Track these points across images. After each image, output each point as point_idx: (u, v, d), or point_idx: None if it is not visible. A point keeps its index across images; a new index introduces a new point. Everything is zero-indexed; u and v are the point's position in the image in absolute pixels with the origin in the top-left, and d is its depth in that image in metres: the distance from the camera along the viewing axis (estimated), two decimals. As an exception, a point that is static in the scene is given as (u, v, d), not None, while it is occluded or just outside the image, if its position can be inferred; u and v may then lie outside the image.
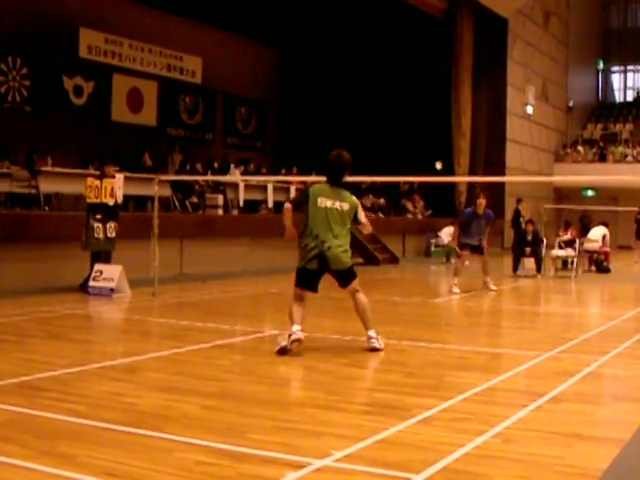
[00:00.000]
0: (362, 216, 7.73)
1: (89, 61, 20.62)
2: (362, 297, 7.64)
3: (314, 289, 7.54)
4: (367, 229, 7.86)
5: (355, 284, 7.62)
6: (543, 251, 17.84)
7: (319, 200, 7.47)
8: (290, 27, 25.25)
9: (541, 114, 33.07)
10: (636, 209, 24.91)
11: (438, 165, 26.65)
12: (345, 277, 7.57)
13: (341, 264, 7.47)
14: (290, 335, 7.23)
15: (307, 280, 7.48)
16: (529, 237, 17.84)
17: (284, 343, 7.23)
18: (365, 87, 26.66)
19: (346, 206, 7.55)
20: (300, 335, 7.21)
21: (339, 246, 7.43)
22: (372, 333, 7.52)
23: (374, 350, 7.42)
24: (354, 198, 7.75)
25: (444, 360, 7.35)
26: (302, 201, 7.63)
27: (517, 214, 21.08)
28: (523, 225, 19.49)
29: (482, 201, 14.30)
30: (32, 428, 4.68)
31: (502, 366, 7.15)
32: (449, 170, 26.03)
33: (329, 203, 7.48)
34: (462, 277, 13.85)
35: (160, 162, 20.06)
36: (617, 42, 40.98)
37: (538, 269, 17.54)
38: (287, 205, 7.75)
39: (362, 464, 4.15)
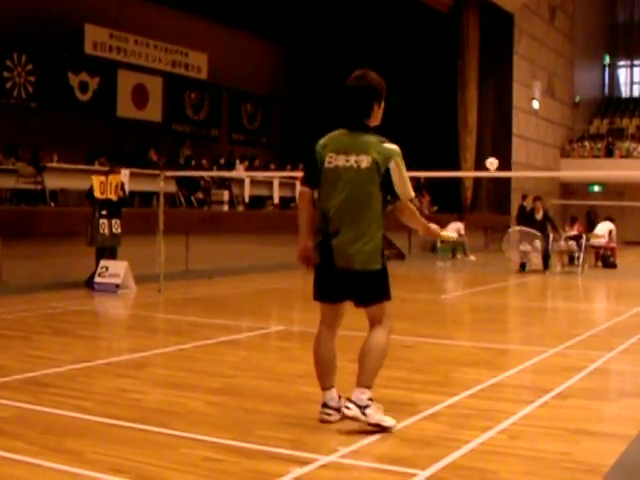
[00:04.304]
0: (401, 184, 4.56)
1: (94, 57, 20.61)
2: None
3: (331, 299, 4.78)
4: (413, 219, 4.77)
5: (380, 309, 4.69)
6: (550, 246, 17.71)
7: (328, 158, 4.66)
8: (296, 23, 25.21)
9: (547, 109, 32.99)
10: None
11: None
12: (362, 289, 4.68)
13: (353, 262, 4.58)
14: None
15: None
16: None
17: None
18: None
19: (365, 161, 4.55)
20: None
21: (351, 231, 4.57)
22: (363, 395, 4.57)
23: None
24: (387, 146, 4.57)
25: (451, 356, 7.33)
26: (316, 169, 4.71)
27: (522, 210, 21.02)
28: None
29: None
30: (38, 424, 4.69)
31: (508, 362, 7.14)
32: (455, 165, 25.93)
33: (342, 160, 4.62)
34: (464, 274, 13.76)
35: (166, 158, 20.07)
36: (623, 37, 40.81)
37: (545, 265, 17.48)
38: (302, 188, 4.88)
39: (368, 460, 4.15)
